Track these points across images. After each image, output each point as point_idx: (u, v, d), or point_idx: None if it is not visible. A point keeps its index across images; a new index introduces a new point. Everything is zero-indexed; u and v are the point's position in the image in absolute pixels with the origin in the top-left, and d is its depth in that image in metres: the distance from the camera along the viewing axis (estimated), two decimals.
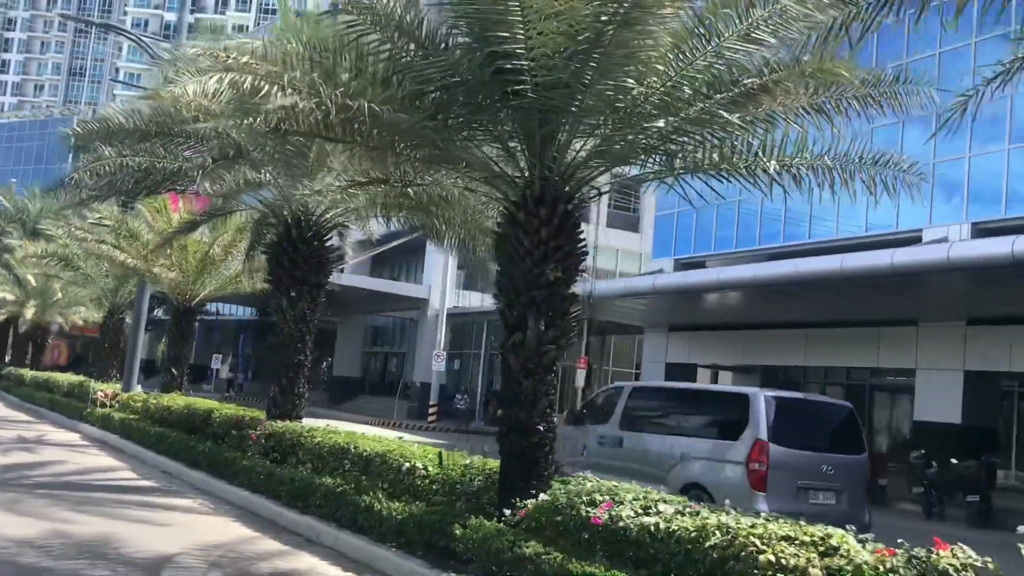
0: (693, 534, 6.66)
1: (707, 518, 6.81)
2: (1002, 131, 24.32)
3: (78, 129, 14.47)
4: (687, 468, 13.16)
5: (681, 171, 9.43)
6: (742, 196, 31.67)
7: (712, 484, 12.47)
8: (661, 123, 8.36)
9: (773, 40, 7.59)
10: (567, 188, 9.20)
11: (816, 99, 8.44)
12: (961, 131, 25.33)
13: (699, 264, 32.32)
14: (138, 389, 22.27)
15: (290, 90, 7.83)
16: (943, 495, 19.72)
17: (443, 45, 8.70)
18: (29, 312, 31.87)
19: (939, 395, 24.02)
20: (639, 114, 8.19)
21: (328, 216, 14.65)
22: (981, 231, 23.79)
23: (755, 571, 6.03)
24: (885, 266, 19.83)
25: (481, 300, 42.73)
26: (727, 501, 7.54)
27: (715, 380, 35.17)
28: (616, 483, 8.53)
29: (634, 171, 9.97)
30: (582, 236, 9.53)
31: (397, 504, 9.72)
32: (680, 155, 9.25)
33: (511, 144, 9.16)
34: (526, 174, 9.20)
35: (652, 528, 6.98)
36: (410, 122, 8.56)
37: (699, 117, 8.20)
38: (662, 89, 8.04)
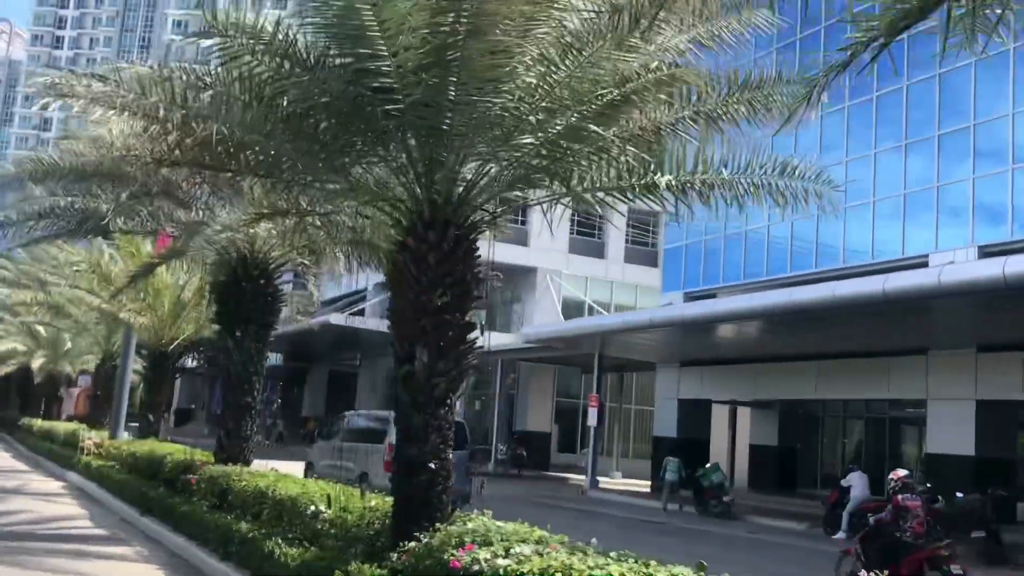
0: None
1: (556, 559, 6.26)
2: (1005, 150, 23.47)
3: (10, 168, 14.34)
4: (362, 462, 21.28)
5: (579, 192, 8.94)
6: (750, 226, 31.25)
7: (371, 472, 20.08)
8: (530, 139, 7.90)
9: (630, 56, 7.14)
10: (457, 212, 8.77)
11: (688, 111, 7.94)
12: (964, 153, 24.98)
13: (709, 296, 31.57)
14: (125, 436, 22.11)
15: (137, 114, 7.52)
16: (948, 531, 18.64)
17: (318, 64, 8.37)
18: (37, 362, 32.13)
19: (951, 426, 22.94)
20: (510, 131, 7.75)
21: (273, 255, 14.37)
22: (987, 254, 22.81)
23: None
24: (877, 293, 19.04)
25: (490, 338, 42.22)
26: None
27: (733, 417, 34.24)
28: (503, 524, 8.01)
29: (539, 193, 9.44)
30: (478, 263, 9.08)
31: (295, 550, 9.26)
32: (576, 175, 8.76)
33: (395, 167, 8.77)
34: (416, 198, 8.80)
35: (503, 570, 6.44)
36: (279, 145, 8.24)
37: (570, 132, 7.75)
38: (529, 104, 7.60)
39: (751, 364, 30.14)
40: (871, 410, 30.12)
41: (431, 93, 7.65)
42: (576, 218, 45.17)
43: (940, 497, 19.46)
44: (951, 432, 22.86)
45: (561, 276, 44.25)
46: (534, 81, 7.43)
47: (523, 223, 44.77)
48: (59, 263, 21.77)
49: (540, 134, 7.83)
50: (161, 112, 7.56)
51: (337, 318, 41.01)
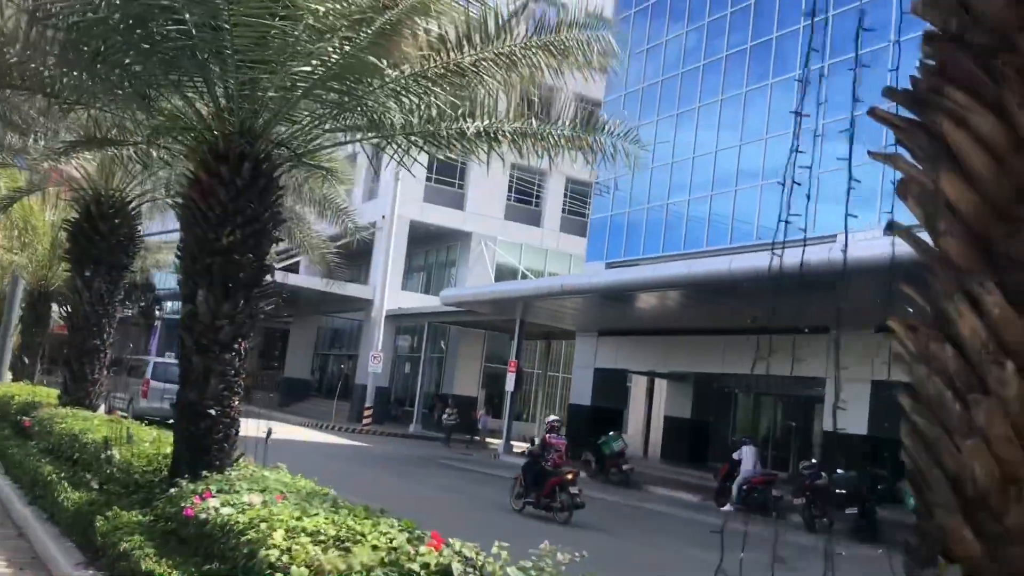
0: (241, 527, 5.75)
1: (263, 510, 5.90)
2: None
3: None
4: (133, 393, 26.99)
5: (388, 133, 8.51)
6: (671, 200, 31.09)
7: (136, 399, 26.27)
8: (307, 68, 7.43)
9: None
10: (252, 146, 8.29)
11: (488, 52, 7.51)
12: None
13: (630, 267, 31.39)
14: (8, 379, 21.44)
15: None
16: (826, 507, 18.73)
17: None
18: None
19: (847, 405, 22.96)
20: (284, 55, 7.28)
21: (131, 193, 13.79)
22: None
23: (268, 570, 5.14)
24: (724, 272, 19.18)
25: (422, 301, 41.90)
26: None
27: (651, 388, 34.26)
28: (269, 473, 7.68)
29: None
30: (278, 202, 8.63)
31: (78, 495, 8.86)
32: (380, 115, 8.32)
33: (187, 94, 8.26)
34: (208, 128, 8.31)
35: (224, 518, 6.09)
36: (60, 65, 7.69)
37: (350, 62, 7.29)
38: (307, 28, 7.12)
39: (665, 336, 30.06)
40: (780, 387, 30.20)
41: (209, 12, 7.16)
42: (514, 184, 44.78)
43: (823, 473, 19.52)
44: (847, 411, 22.88)
45: (496, 242, 43.80)
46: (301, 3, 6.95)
47: (460, 187, 44.29)
48: None
49: (316, 61, 7.35)
50: None
51: (295, 278, 40.27)
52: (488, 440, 37.69)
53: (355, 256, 47.31)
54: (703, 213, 29.71)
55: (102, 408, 14.48)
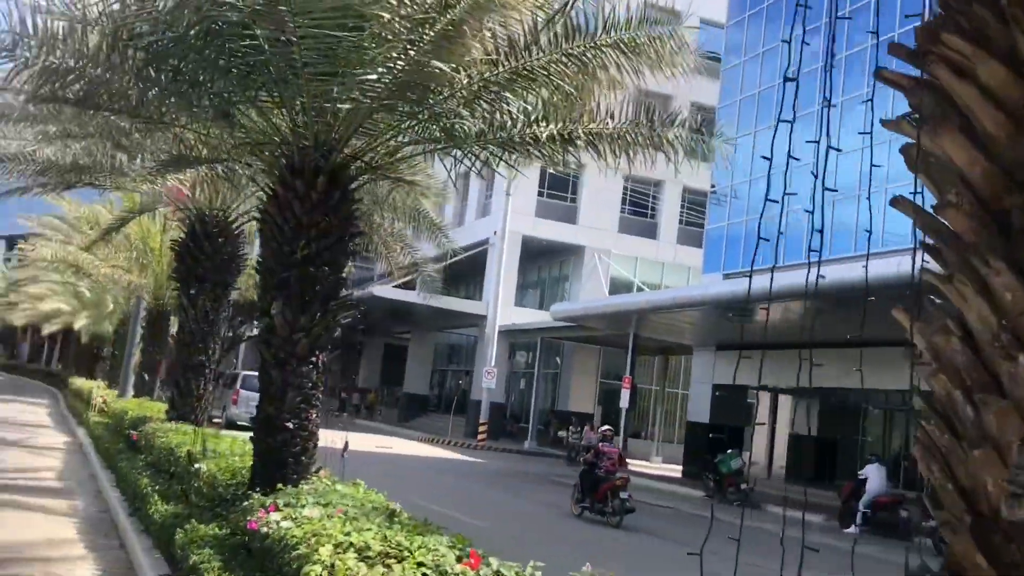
0: (294, 541, 5.67)
1: (317, 524, 5.80)
2: None
3: None
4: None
5: (466, 144, 8.38)
6: (791, 207, 29.95)
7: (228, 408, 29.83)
8: (374, 76, 7.36)
9: None
10: (327, 159, 8.30)
11: (557, 54, 7.27)
12: None
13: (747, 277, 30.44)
14: (130, 395, 22.40)
15: None
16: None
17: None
18: (80, 322, 32.92)
19: None
20: (351, 63, 7.24)
21: (231, 211, 14.16)
22: None
23: None
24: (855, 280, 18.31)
25: (536, 317, 41.76)
26: None
27: (774, 405, 33.10)
28: (343, 487, 7.61)
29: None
30: (354, 215, 8.61)
31: (165, 507, 9.03)
32: (450, 123, 8.21)
33: (264, 109, 8.35)
34: (285, 142, 8.38)
35: (282, 532, 6.03)
36: (140, 82, 7.89)
37: (414, 68, 7.18)
38: (373, 35, 7.07)
39: (789, 350, 28.85)
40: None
41: (277, 26, 7.19)
42: (628, 196, 44.26)
43: None
44: None
45: (610, 256, 43.33)
46: (365, 11, 6.88)
47: (573, 200, 44.09)
48: (79, 219, 22.00)
49: (382, 69, 7.28)
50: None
51: (382, 290, 40.94)
52: None
53: (468, 273, 47.91)
54: (825, 219, 28.53)
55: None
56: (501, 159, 8.52)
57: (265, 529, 6.26)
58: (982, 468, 1.84)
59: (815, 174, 3.16)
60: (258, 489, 7.74)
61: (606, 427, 19.02)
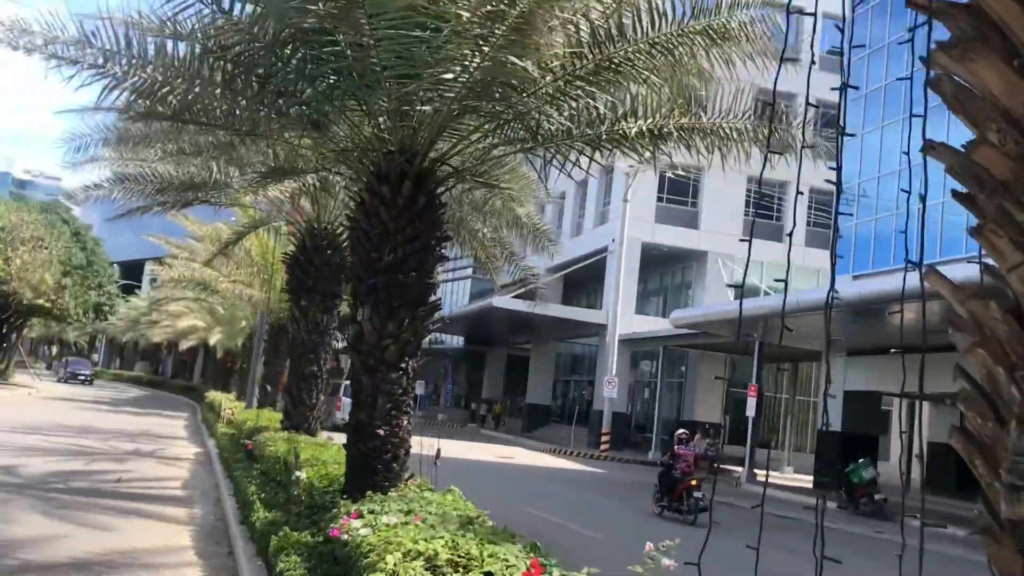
0: (367, 548, 5.56)
1: (389, 532, 5.68)
2: None
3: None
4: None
5: (545, 143, 8.18)
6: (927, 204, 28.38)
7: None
8: (450, 75, 7.22)
9: None
10: (411, 164, 8.24)
11: (642, 43, 6.96)
12: None
13: (877, 278, 29.04)
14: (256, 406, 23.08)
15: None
16: None
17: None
18: (214, 338, 34.27)
19: None
20: (428, 63, 7.13)
21: (338, 223, 14.35)
22: None
23: None
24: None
25: (658, 325, 41.01)
26: None
27: (912, 412, 31.40)
28: (432, 494, 7.49)
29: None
30: (441, 220, 8.52)
31: (267, 514, 9.14)
32: (534, 123, 8.02)
33: (354, 118, 8.36)
34: (371, 148, 8.36)
35: (360, 538, 5.95)
36: (235, 96, 8.03)
37: (493, 66, 7.01)
38: (448, 34, 6.94)
39: (933, 353, 27.34)
40: None
41: (355, 29, 7.17)
42: (751, 198, 43.02)
43: None
44: None
45: (733, 260, 42.15)
46: (434, 8, 6.77)
47: (693, 204, 43.19)
48: (202, 237, 22.83)
49: (458, 67, 7.14)
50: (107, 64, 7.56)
51: (502, 301, 41.01)
52: (730, 468, 36.12)
53: (588, 281, 47.56)
54: (961, 217, 26.95)
55: (324, 433, 15.07)
56: (591, 158, 8.24)
57: (345, 536, 6.20)
58: None
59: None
60: (348, 496, 7.71)
61: (681, 431, 19.83)
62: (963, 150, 1.67)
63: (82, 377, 55.14)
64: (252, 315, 27.25)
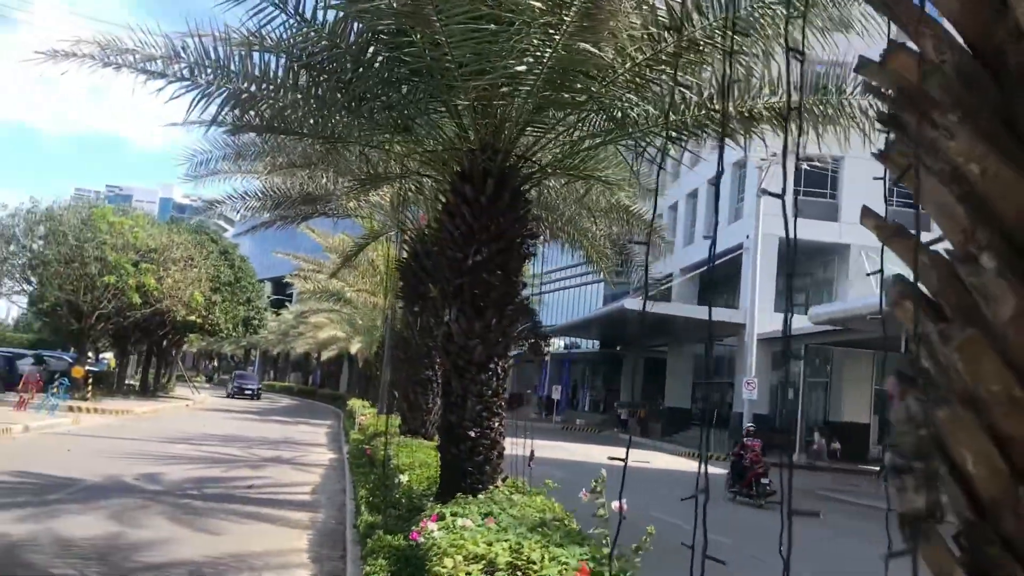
0: (435, 552, 5.44)
1: (462, 533, 5.53)
2: None
3: None
4: None
5: (638, 131, 7.89)
6: None
7: None
8: (523, 67, 7.02)
9: None
10: (492, 161, 8.11)
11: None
12: None
13: None
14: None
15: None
16: None
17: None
18: (354, 347, 35.21)
19: None
20: (500, 56, 6.97)
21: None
22: None
23: None
24: None
25: (796, 322, 39.46)
26: None
27: None
28: (520, 496, 7.32)
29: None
30: (526, 217, 8.35)
31: (370, 518, 9.20)
32: (619, 111, 7.75)
33: (439, 119, 8.31)
34: (452, 148, 8.29)
35: (434, 541, 5.84)
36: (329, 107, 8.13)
37: (561, 55, 6.77)
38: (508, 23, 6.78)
39: None
40: None
41: (427, 27, 7.10)
42: (896, 188, 40.85)
43: None
44: None
45: (878, 253, 40.04)
46: None
47: (832, 196, 41.45)
48: (328, 249, 23.43)
49: (530, 59, 6.95)
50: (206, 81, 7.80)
51: (632, 303, 40.51)
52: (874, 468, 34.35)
53: (724, 281, 46.34)
54: None
55: None
56: (675, 142, 7.89)
57: (422, 539, 6.10)
58: (955, 437, 1.18)
59: None
60: (440, 499, 7.64)
61: (749, 424, 23.13)
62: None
63: (249, 391, 54.63)
64: (382, 323, 27.83)
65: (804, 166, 36.86)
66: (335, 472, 19.33)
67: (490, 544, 5.11)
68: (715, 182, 42.85)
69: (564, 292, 65.20)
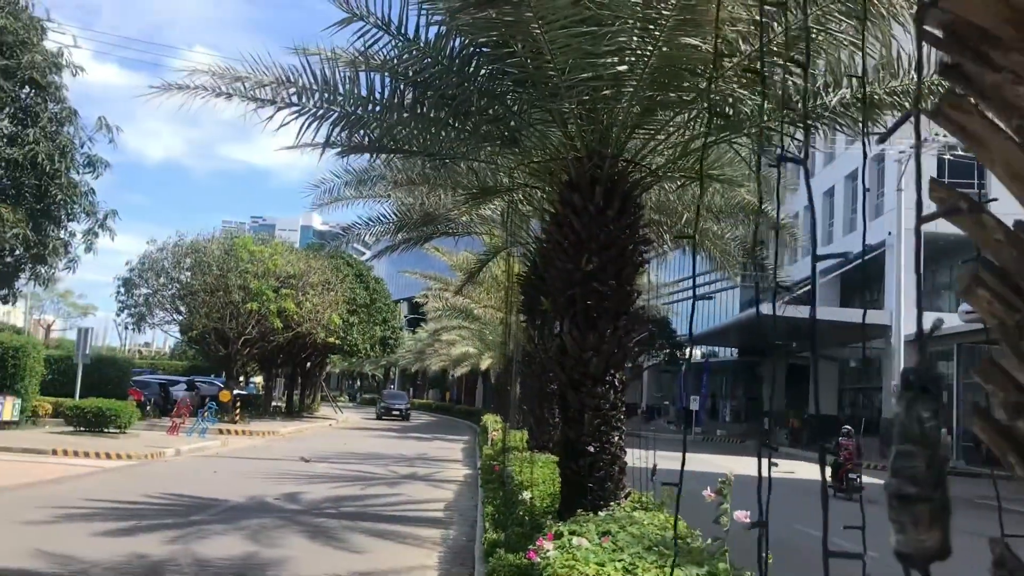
0: (549, 572, 5.26)
1: (574, 553, 5.33)
2: None
3: None
4: None
5: (740, 127, 7.57)
6: None
7: None
8: (625, 67, 6.80)
9: None
10: (603, 169, 7.92)
11: None
12: None
13: None
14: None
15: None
16: None
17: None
18: (485, 363, 35.44)
19: None
20: (601, 58, 6.79)
21: None
22: None
23: None
24: None
25: (948, 320, 37.32)
26: None
27: None
28: (641, 514, 7.05)
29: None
30: (639, 224, 8.11)
31: (494, 535, 9.10)
32: (728, 107, 7.44)
33: (547, 130, 8.19)
34: (560, 158, 8.15)
35: (551, 560, 5.67)
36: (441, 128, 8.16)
37: (664, 52, 6.52)
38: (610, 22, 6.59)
39: None
40: None
41: (528, 35, 7.00)
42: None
43: None
44: None
45: None
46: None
47: (981, 186, 39.06)
48: (453, 267, 23.64)
49: (631, 57, 6.73)
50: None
51: (769, 308, 39.19)
52: None
53: (867, 281, 44.37)
54: None
55: None
56: (793, 138, 7.50)
57: (538, 559, 5.94)
58: None
59: None
60: (560, 516, 7.46)
61: (846, 426, 25.70)
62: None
63: (397, 411, 51.33)
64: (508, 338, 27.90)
65: (947, 156, 34.97)
66: (469, 488, 19.39)
67: (602, 564, 4.90)
68: (861, 172, 41.17)
69: (701, 300, 64.04)
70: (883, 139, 1.72)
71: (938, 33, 1.08)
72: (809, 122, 7.31)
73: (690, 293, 60.90)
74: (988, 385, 1.06)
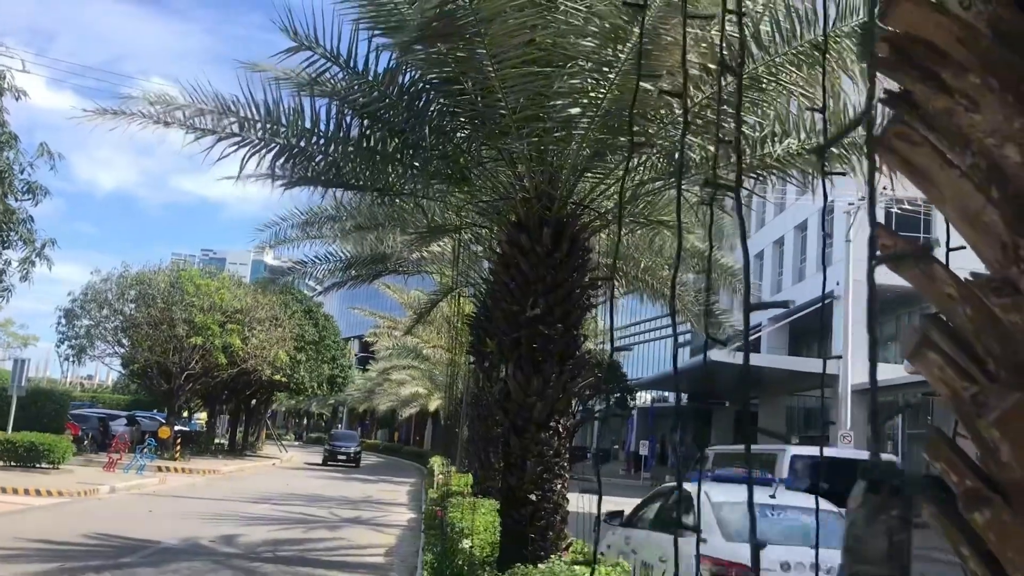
0: None
1: None
2: None
3: None
4: None
5: (698, 174, 7.51)
6: None
7: None
8: (577, 109, 6.72)
9: None
10: (551, 211, 7.80)
11: None
12: None
13: None
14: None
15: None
16: None
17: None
18: (434, 404, 35.04)
19: None
20: (552, 99, 6.70)
21: None
22: None
23: None
24: None
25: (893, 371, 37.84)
26: None
27: None
28: (582, 569, 6.83)
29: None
30: (585, 266, 7.99)
31: None
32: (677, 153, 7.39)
33: (489, 165, 8.08)
34: (509, 197, 8.02)
35: None
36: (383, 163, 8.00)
37: (616, 95, 6.45)
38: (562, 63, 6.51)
39: None
40: None
41: (479, 71, 6.89)
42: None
43: None
44: None
45: None
46: (549, 39, 6.34)
47: (926, 239, 39.92)
48: (403, 305, 23.41)
49: (585, 100, 6.66)
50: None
51: (717, 354, 39.42)
52: None
53: (815, 330, 44.90)
54: None
55: None
56: (752, 190, 7.47)
57: None
58: (1000, 553, 0.78)
59: None
60: (500, 568, 7.21)
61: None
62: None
63: (343, 455, 43.33)
64: (458, 379, 27.62)
65: (894, 209, 35.63)
66: (412, 533, 18.96)
67: None
68: (822, 216, 41.73)
69: (650, 344, 64.28)
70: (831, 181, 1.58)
71: (886, 55, 0.94)
72: (758, 172, 7.29)
73: (637, 339, 61.20)
74: (938, 464, 0.91)
